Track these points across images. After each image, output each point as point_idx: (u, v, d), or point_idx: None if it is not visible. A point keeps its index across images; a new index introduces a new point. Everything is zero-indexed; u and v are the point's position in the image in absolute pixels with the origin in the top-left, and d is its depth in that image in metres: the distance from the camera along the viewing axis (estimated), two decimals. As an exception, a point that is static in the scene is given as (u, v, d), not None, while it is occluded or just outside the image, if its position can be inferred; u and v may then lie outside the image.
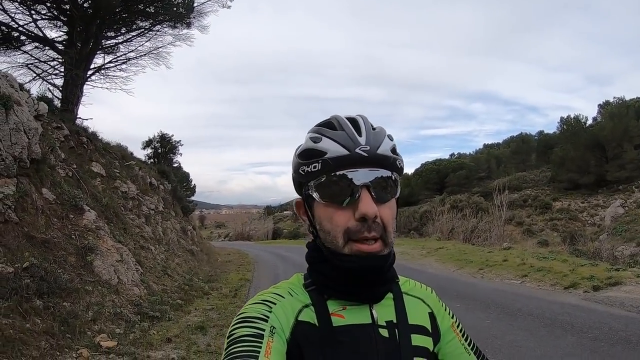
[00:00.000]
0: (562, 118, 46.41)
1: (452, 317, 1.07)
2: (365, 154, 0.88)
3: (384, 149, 0.91)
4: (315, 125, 0.98)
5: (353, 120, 0.95)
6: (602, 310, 7.87)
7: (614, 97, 43.02)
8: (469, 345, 1.05)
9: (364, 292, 0.93)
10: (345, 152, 0.88)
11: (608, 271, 10.59)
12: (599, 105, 47.36)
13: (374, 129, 0.95)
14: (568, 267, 11.54)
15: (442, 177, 53.39)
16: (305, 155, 0.93)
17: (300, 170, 0.93)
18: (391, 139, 0.95)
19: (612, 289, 9.30)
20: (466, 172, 52.37)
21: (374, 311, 0.94)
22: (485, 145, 78.22)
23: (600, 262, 12.54)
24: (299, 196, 1.00)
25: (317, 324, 0.90)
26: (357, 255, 0.87)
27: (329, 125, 0.95)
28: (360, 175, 0.88)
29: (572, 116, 44.21)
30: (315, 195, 0.92)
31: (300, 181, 0.96)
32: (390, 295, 0.99)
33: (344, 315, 0.92)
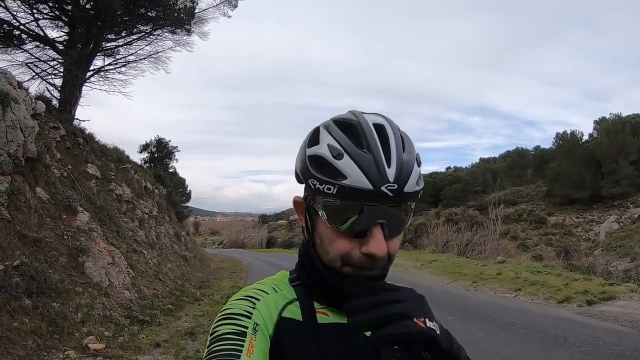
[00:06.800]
0: (557, 133, 46.76)
1: None
2: (391, 194, 0.77)
3: (411, 184, 0.80)
4: (335, 124, 0.86)
5: (381, 133, 0.83)
6: (595, 324, 7.85)
7: (611, 114, 43.37)
8: None
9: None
10: (369, 186, 0.76)
11: (602, 286, 10.61)
12: (595, 121, 47.64)
13: (404, 149, 0.83)
14: (562, 282, 11.54)
15: (438, 190, 53.61)
16: (319, 165, 0.81)
17: (309, 182, 0.83)
18: (419, 164, 0.84)
19: (606, 304, 9.29)
20: (462, 186, 52.62)
21: None
22: (482, 159, 78.56)
23: (594, 277, 12.54)
24: (300, 185, 0.91)
25: (301, 320, 0.88)
26: (352, 277, 0.83)
27: (352, 134, 0.82)
28: (378, 212, 0.78)
29: (568, 132, 44.46)
30: (321, 213, 0.83)
31: (306, 186, 0.87)
32: None
33: (328, 314, 0.90)
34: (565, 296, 10.17)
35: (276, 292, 0.92)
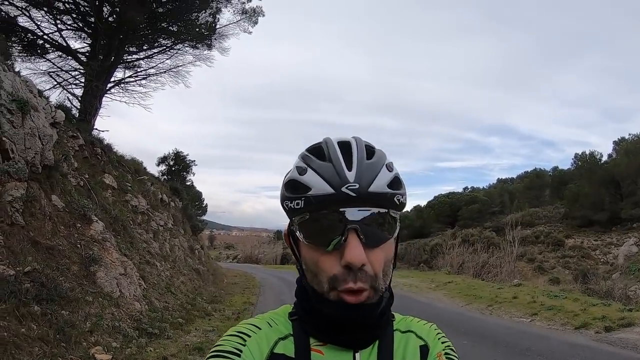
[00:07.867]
0: (576, 154, 46.14)
1: (444, 348, 0.92)
2: (353, 194, 0.77)
3: (378, 184, 0.80)
4: (305, 150, 0.89)
5: (345, 147, 0.85)
6: (613, 351, 7.61)
7: (630, 134, 42.60)
8: None
9: (346, 339, 0.84)
10: (330, 190, 0.78)
11: (621, 311, 10.33)
12: (614, 142, 46.84)
13: (370, 157, 0.84)
14: (579, 307, 11.25)
15: (455, 210, 53.08)
16: (291, 187, 0.83)
17: (284, 204, 0.85)
18: (390, 169, 0.83)
19: (625, 330, 9.02)
20: (479, 206, 51.98)
21: (357, 353, 0.85)
22: (499, 180, 77.63)
23: (612, 302, 12.21)
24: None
25: (293, 357, 0.85)
26: (341, 304, 0.79)
27: (317, 153, 0.86)
28: (348, 216, 0.78)
29: (587, 152, 43.86)
30: (298, 234, 0.83)
31: (286, 214, 0.88)
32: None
33: (323, 352, 0.85)
34: (583, 322, 9.90)
35: (270, 326, 0.89)
